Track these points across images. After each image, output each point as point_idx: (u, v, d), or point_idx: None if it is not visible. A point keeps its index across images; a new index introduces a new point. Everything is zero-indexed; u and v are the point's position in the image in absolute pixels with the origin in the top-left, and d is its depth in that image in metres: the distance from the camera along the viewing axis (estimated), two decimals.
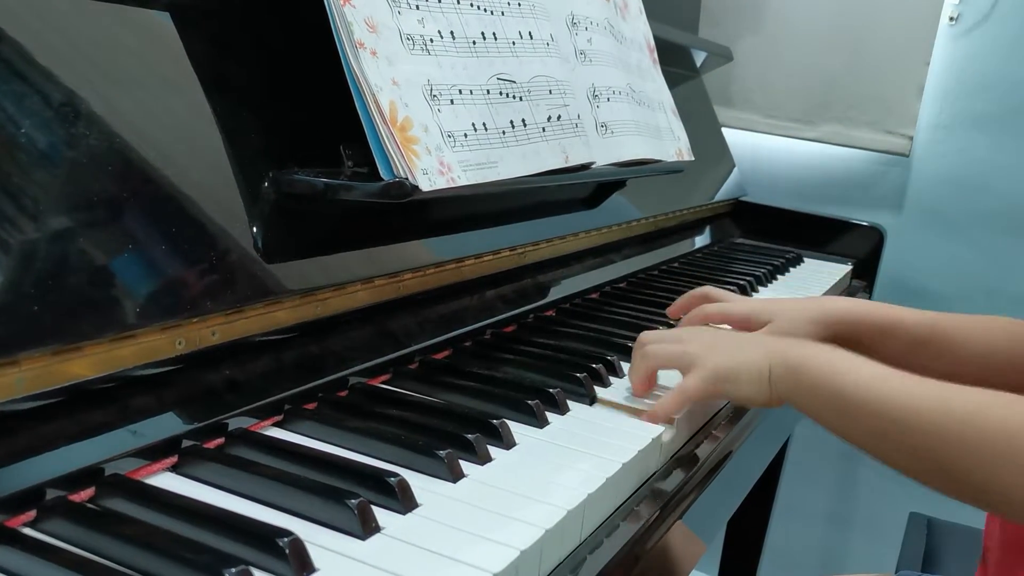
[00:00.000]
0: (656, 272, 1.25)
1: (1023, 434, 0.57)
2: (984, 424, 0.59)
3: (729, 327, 0.89)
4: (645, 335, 0.78)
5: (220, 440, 0.58)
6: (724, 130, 1.71)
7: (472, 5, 0.77)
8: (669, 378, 0.78)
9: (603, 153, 0.93)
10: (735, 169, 1.65)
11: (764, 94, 1.86)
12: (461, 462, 0.57)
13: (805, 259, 1.53)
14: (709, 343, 0.75)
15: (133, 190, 0.55)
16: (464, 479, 0.56)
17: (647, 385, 0.76)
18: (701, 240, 1.50)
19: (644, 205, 1.23)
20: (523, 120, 0.79)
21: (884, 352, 0.86)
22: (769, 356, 0.71)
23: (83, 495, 0.50)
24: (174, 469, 0.54)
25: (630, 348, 0.79)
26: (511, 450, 0.62)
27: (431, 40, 0.71)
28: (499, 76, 0.78)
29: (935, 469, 0.62)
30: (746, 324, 0.88)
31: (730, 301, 0.83)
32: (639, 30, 1.12)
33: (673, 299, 1.05)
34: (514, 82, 0.79)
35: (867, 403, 0.65)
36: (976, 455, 0.59)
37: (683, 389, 0.71)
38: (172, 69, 0.62)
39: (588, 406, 0.72)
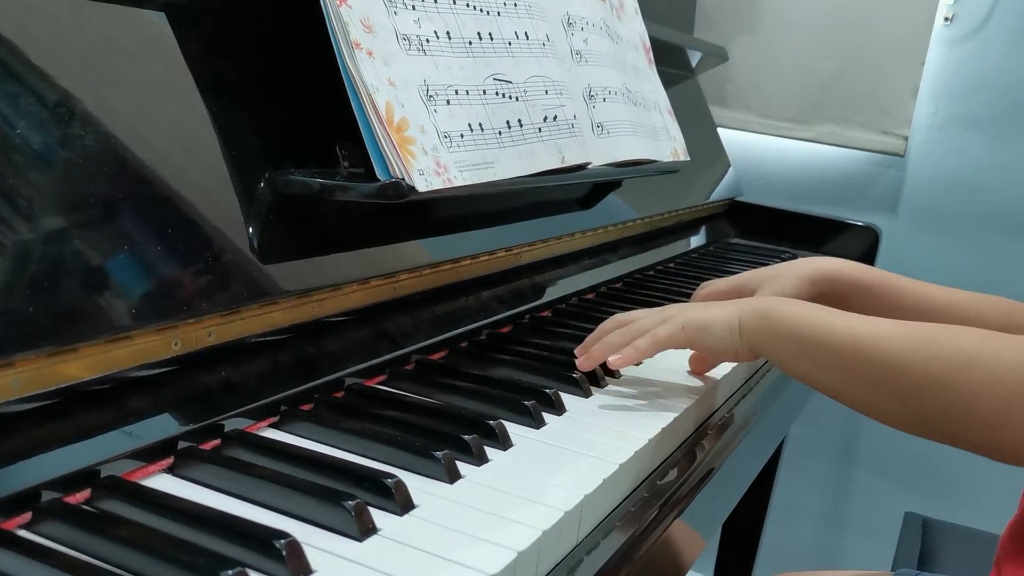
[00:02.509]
0: (652, 272, 1.25)
1: (975, 361, 0.59)
2: (939, 352, 0.61)
3: None
4: (622, 316, 0.79)
5: (216, 441, 0.57)
6: (719, 130, 1.71)
7: (468, 5, 0.77)
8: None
9: (599, 153, 0.93)
10: (730, 169, 1.65)
11: (759, 94, 1.86)
12: (458, 463, 0.57)
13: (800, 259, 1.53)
14: (684, 305, 0.79)
15: (128, 191, 0.55)
16: (461, 480, 0.56)
17: (596, 362, 0.76)
18: (697, 240, 1.50)
19: (640, 205, 1.23)
20: (519, 120, 0.79)
21: (873, 314, 0.88)
22: (740, 308, 0.74)
23: (79, 497, 0.49)
24: (170, 471, 0.54)
25: None
26: (508, 451, 0.62)
27: (427, 40, 0.71)
28: (495, 76, 0.78)
29: (894, 401, 0.64)
30: (739, 294, 0.90)
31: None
32: (635, 30, 1.12)
33: (669, 299, 1.06)
34: (510, 82, 0.79)
35: (828, 341, 0.67)
36: (932, 383, 0.61)
37: (654, 333, 0.74)
38: (168, 69, 0.61)
39: (585, 406, 0.72)
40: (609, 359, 0.74)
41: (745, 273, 0.96)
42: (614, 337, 0.76)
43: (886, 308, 0.87)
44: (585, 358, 0.76)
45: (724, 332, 0.74)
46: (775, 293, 0.89)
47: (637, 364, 0.80)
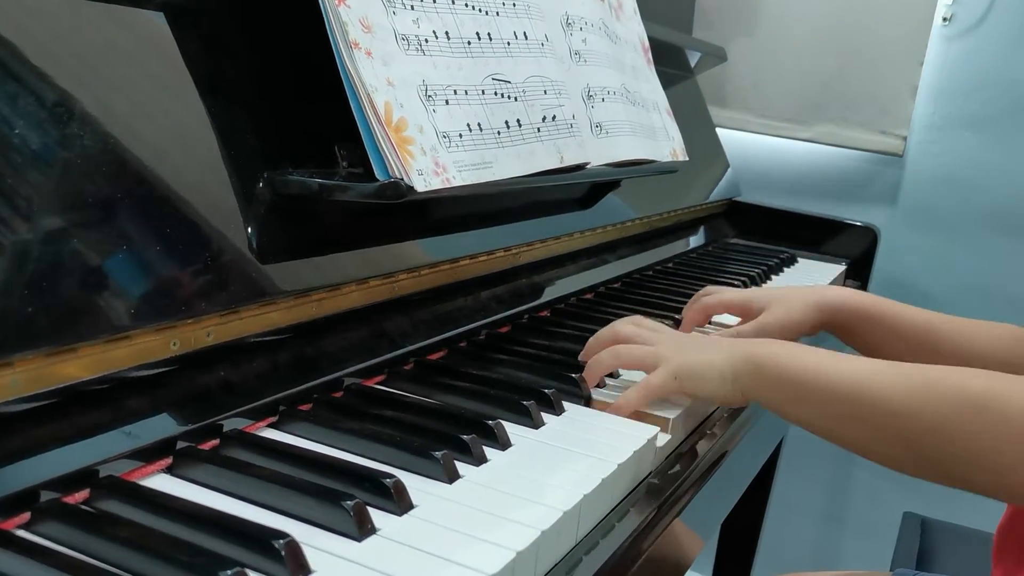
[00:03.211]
0: (651, 272, 1.25)
1: (982, 405, 0.58)
2: (943, 397, 0.60)
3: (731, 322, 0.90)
4: (622, 329, 0.78)
5: (215, 441, 0.57)
6: (718, 130, 1.71)
7: (467, 5, 0.77)
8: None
9: (598, 153, 0.93)
10: (729, 169, 1.65)
11: (758, 94, 1.86)
12: (457, 463, 0.57)
13: (799, 259, 1.53)
14: (678, 344, 0.76)
15: (127, 191, 0.55)
16: (460, 480, 0.56)
17: (598, 381, 0.76)
18: (695, 240, 1.50)
19: (639, 205, 1.23)
20: (518, 120, 0.79)
21: (879, 344, 0.87)
22: (733, 354, 0.72)
23: (77, 497, 0.49)
24: (169, 471, 0.54)
25: None
26: (507, 451, 0.62)
27: (426, 40, 0.71)
28: (494, 76, 0.78)
29: (900, 448, 0.63)
30: (746, 310, 0.89)
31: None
32: (633, 30, 1.12)
33: (668, 299, 1.06)
34: (509, 82, 0.79)
35: (828, 388, 0.66)
36: (938, 430, 0.60)
37: (647, 383, 0.72)
38: (166, 69, 0.61)
39: (583, 406, 0.72)
40: (609, 408, 0.72)
41: (754, 290, 0.95)
42: (606, 358, 0.75)
43: (892, 338, 0.87)
44: (585, 374, 0.75)
45: (716, 381, 0.72)
46: (780, 318, 0.87)
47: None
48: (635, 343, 0.76)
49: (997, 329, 0.86)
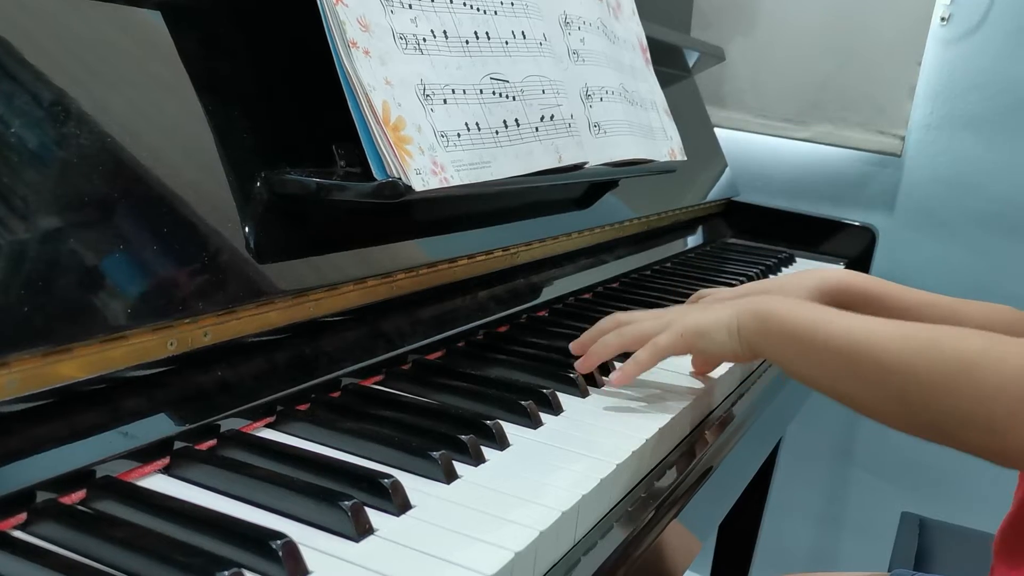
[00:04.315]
0: (649, 272, 1.25)
1: (979, 365, 0.58)
2: (942, 355, 0.60)
3: None
4: (620, 315, 0.79)
5: (212, 442, 0.57)
6: (716, 130, 1.71)
7: (465, 4, 0.77)
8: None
9: (596, 153, 0.92)
10: (727, 169, 1.65)
11: (756, 94, 1.86)
12: (455, 463, 0.57)
13: (797, 259, 1.53)
14: (682, 309, 0.78)
15: (124, 190, 0.55)
16: (458, 480, 0.56)
17: (594, 365, 0.76)
18: (693, 240, 1.50)
19: (637, 205, 1.23)
20: (516, 120, 0.79)
21: None
22: (739, 310, 0.73)
23: (74, 497, 0.49)
24: (166, 471, 0.54)
25: None
26: (505, 451, 0.62)
27: (424, 39, 0.71)
28: (492, 76, 0.77)
29: (897, 404, 0.63)
30: None
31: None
32: (632, 30, 1.12)
33: (666, 299, 1.05)
34: (507, 82, 0.79)
35: (829, 341, 0.67)
36: (935, 387, 0.60)
37: (654, 343, 0.73)
38: (163, 68, 0.61)
39: (582, 406, 0.72)
40: (612, 377, 0.74)
41: (749, 284, 0.96)
42: (611, 339, 0.76)
43: (892, 317, 0.87)
44: (584, 360, 0.76)
45: (723, 336, 0.73)
46: None
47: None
48: (637, 323, 0.76)
49: (991, 310, 0.87)
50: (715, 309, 0.75)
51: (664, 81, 1.19)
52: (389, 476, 0.52)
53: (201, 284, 0.57)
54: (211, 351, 0.59)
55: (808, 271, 0.94)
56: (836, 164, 1.85)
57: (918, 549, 1.12)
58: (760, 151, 1.89)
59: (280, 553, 0.44)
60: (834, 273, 0.92)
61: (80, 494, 0.50)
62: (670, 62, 1.51)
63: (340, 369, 0.68)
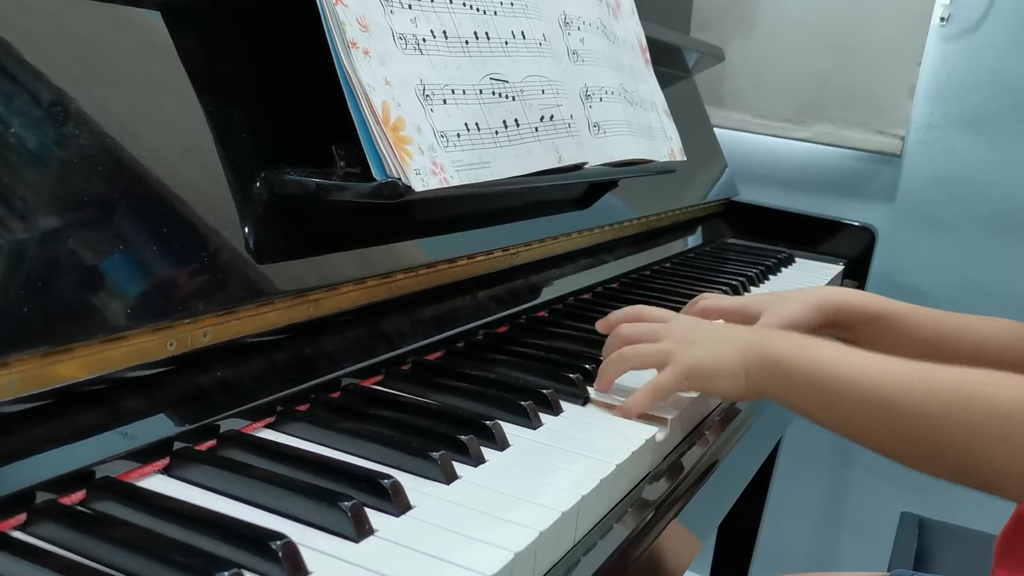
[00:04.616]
0: (648, 272, 1.25)
1: (1014, 416, 0.57)
2: (970, 403, 0.59)
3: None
4: (623, 329, 0.77)
5: (212, 442, 0.57)
6: (716, 130, 1.71)
7: (465, 5, 0.77)
8: (650, 372, 0.78)
9: (596, 153, 0.92)
10: (727, 169, 1.65)
11: (756, 94, 1.86)
12: (455, 463, 0.57)
13: (797, 259, 1.53)
14: (686, 339, 0.74)
15: (123, 190, 0.55)
16: (458, 481, 0.56)
17: (610, 386, 0.75)
18: (693, 240, 1.50)
19: (636, 205, 1.23)
20: (516, 120, 0.79)
21: (881, 343, 0.86)
22: (746, 351, 0.71)
23: (74, 498, 0.49)
24: (166, 471, 0.54)
25: None
26: (505, 451, 0.62)
27: (424, 40, 0.71)
28: (492, 76, 0.77)
29: (925, 450, 0.62)
30: (743, 316, 0.88)
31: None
32: (631, 30, 1.12)
33: (666, 299, 1.05)
34: (507, 82, 0.79)
35: (851, 390, 0.64)
36: (964, 434, 0.59)
37: (656, 384, 0.71)
38: (163, 68, 0.61)
39: (581, 407, 0.72)
40: (616, 412, 0.72)
41: (750, 296, 0.95)
42: (614, 362, 0.74)
43: (895, 337, 0.86)
44: (598, 382, 0.75)
45: (728, 379, 0.71)
46: (781, 319, 0.85)
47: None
48: (641, 342, 0.75)
49: (995, 324, 0.86)
50: (722, 348, 0.72)
51: (664, 81, 1.19)
52: (389, 476, 0.52)
53: (201, 284, 0.57)
54: (211, 351, 0.59)
55: (812, 288, 0.92)
56: (835, 164, 1.85)
57: (918, 549, 1.12)
58: (760, 151, 1.89)
59: (280, 553, 0.44)
60: (837, 292, 0.90)
61: (80, 495, 0.50)
62: (670, 62, 1.51)
63: (340, 369, 0.68)
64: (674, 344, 0.73)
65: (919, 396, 0.61)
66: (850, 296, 0.89)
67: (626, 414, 0.70)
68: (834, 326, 0.89)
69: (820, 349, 0.68)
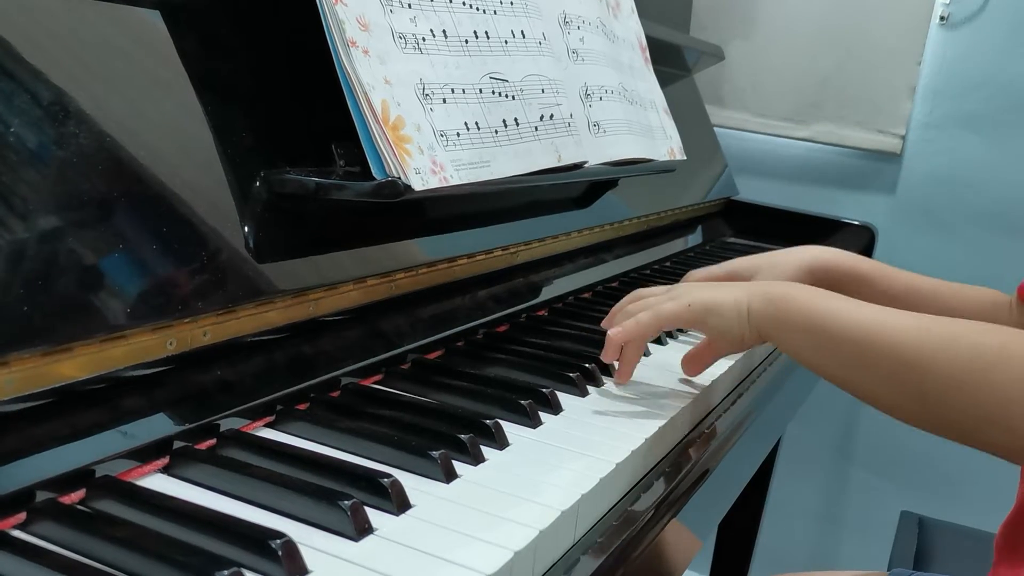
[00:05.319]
0: (648, 271, 1.25)
1: (999, 363, 0.58)
2: (961, 352, 0.59)
3: None
4: (628, 307, 0.78)
5: (212, 441, 0.57)
6: (716, 129, 1.71)
7: (464, 4, 0.77)
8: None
9: (595, 152, 0.92)
10: (727, 168, 1.65)
11: (755, 93, 1.86)
12: (454, 462, 0.57)
13: None
14: (692, 285, 0.77)
15: (123, 190, 0.55)
16: (457, 479, 0.56)
17: (617, 355, 0.75)
18: (693, 239, 1.50)
19: (636, 204, 1.23)
20: (515, 119, 0.79)
21: (866, 301, 0.87)
22: (749, 293, 0.72)
23: (73, 497, 0.49)
24: (165, 470, 0.54)
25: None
26: (504, 450, 0.62)
27: (423, 39, 0.71)
28: (491, 75, 0.77)
29: (913, 398, 0.62)
30: (731, 280, 0.89)
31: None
32: (631, 29, 1.12)
33: None
34: (506, 81, 0.79)
35: (845, 333, 0.65)
36: (954, 386, 0.59)
37: (658, 310, 0.71)
38: (162, 68, 0.61)
39: (581, 406, 0.72)
40: (609, 332, 0.72)
41: (739, 259, 0.95)
42: (629, 326, 0.74)
43: (881, 298, 0.87)
44: (604, 352, 0.75)
45: (732, 315, 0.71)
46: (772, 280, 0.87)
47: (642, 358, 0.79)
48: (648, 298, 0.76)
49: (977, 292, 0.87)
50: (726, 288, 0.73)
51: (664, 81, 1.19)
52: (388, 475, 0.52)
53: (200, 283, 0.57)
54: (210, 350, 0.59)
55: (798, 248, 0.93)
56: (835, 163, 1.85)
57: (917, 548, 1.12)
58: (759, 150, 1.89)
59: (279, 552, 0.44)
60: (824, 252, 0.92)
61: (79, 494, 0.50)
62: (669, 61, 1.51)
63: (339, 368, 0.68)
64: (680, 288, 0.76)
65: (909, 342, 0.62)
66: (839, 257, 0.91)
67: (625, 332, 0.71)
68: (822, 285, 0.90)
69: (821, 295, 0.69)
